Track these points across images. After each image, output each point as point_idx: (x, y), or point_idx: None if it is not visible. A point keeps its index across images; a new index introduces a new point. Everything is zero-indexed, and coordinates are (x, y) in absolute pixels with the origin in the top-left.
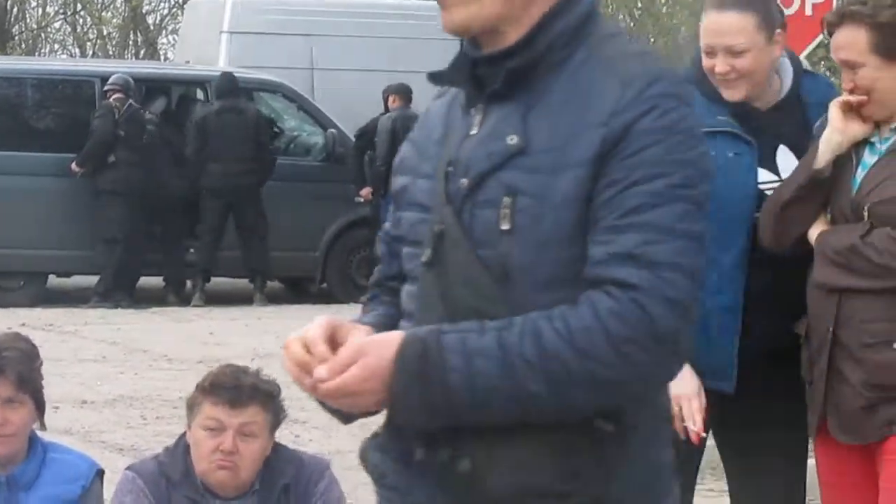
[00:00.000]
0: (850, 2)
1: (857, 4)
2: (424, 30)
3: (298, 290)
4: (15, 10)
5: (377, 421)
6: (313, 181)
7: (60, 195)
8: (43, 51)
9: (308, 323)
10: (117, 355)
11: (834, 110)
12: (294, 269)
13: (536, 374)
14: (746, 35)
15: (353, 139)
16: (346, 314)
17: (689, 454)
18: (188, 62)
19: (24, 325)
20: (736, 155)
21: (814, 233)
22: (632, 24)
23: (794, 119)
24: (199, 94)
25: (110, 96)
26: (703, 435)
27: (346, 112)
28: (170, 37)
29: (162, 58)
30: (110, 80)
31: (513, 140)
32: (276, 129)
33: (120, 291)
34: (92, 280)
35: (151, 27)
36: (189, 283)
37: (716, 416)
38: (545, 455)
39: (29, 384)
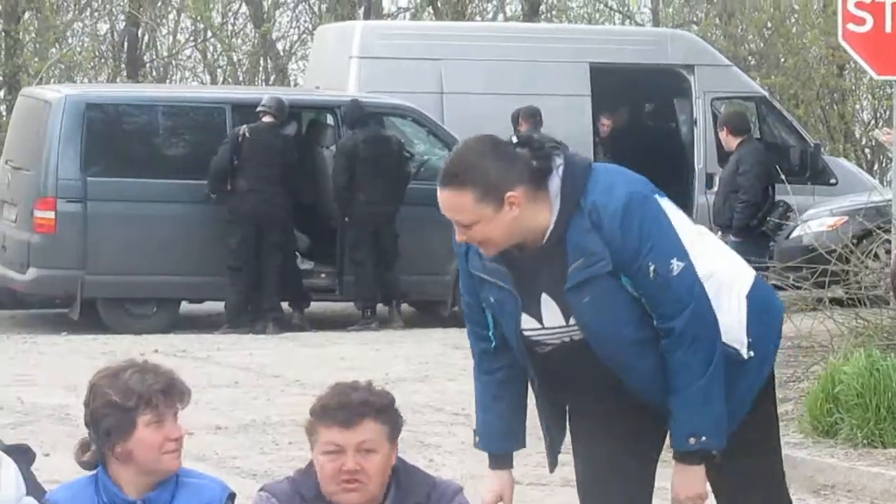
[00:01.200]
0: None
1: None
2: (554, 52)
3: (430, 314)
4: (146, 37)
5: None
6: None
7: (192, 221)
8: (174, 78)
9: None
10: (250, 381)
11: None
12: (425, 293)
13: None
14: (467, 211)
15: None
16: None
17: None
18: (318, 88)
19: (156, 351)
20: (497, 301)
21: None
22: (762, 44)
23: (554, 266)
24: (330, 120)
25: (261, 118)
26: None
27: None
28: (299, 62)
29: (292, 83)
30: (262, 102)
31: None
32: (406, 154)
33: (248, 317)
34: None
35: (281, 53)
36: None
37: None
38: None
39: (188, 399)
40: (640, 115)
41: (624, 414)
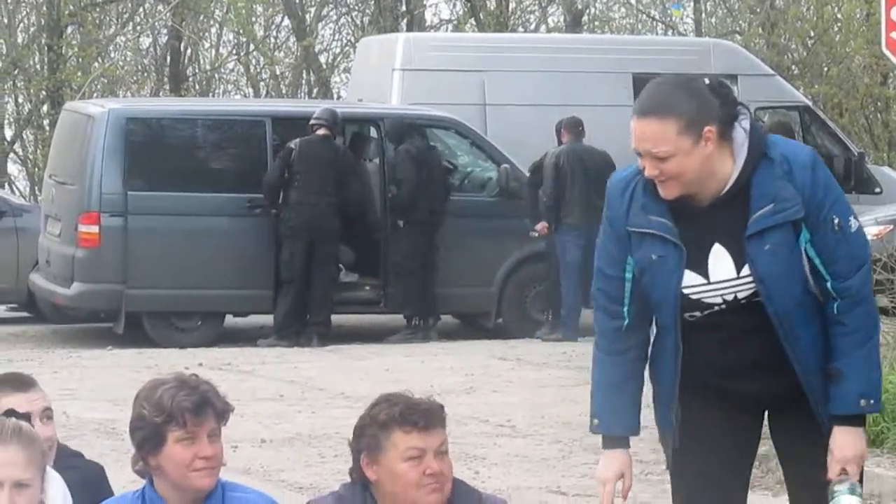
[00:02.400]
0: None
1: None
2: (596, 63)
3: (474, 326)
4: (189, 51)
5: (552, 459)
6: (487, 217)
7: (234, 235)
8: (217, 91)
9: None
10: (295, 394)
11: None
12: (469, 305)
13: None
14: (668, 142)
15: (527, 174)
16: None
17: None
18: (361, 100)
19: (201, 364)
20: (660, 258)
21: None
22: (805, 54)
23: (734, 215)
24: (373, 132)
25: (315, 130)
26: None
27: (519, 147)
28: (342, 75)
29: (335, 96)
30: (315, 115)
31: None
32: (450, 165)
33: (294, 329)
34: (268, 319)
35: (324, 66)
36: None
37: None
38: None
39: (224, 418)
40: None
41: (735, 423)
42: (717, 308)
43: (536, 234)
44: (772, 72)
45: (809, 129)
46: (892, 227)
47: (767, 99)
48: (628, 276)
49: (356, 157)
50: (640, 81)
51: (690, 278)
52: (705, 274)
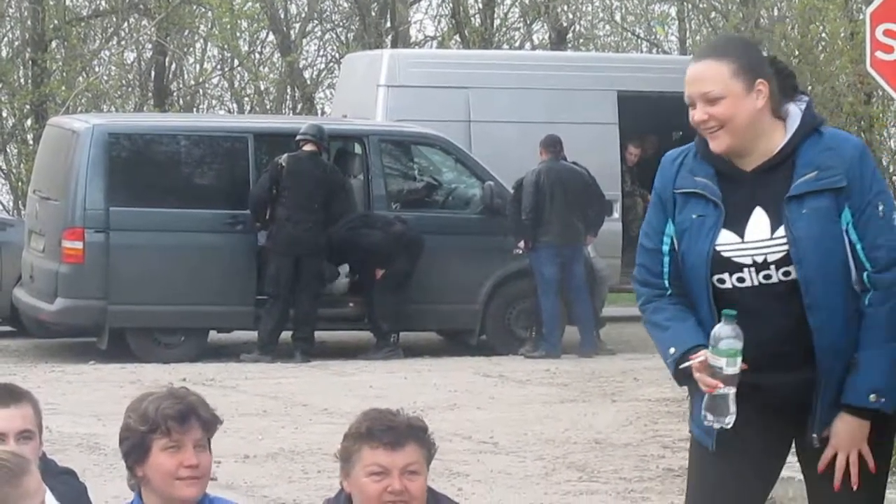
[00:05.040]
0: None
1: None
2: (581, 81)
3: (458, 343)
4: (173, 66)
5: (534, 476)
6: (472, 234)
7: (218, 251)
8: (201, 107)
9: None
10: (278, 409)
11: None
12: (453, 322)
13: None
14: (720, 82)
15: (511, 191)
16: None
17: None
18: (345, 116)
19: (184, 379)
20: (699, 217)
21: None
22: None
23: (778, 181)
24: (357, 149)
25: (302, 146)
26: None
27: (504, 164)
28: (327, 91)
29: (319, 112)
30: (302, 130)
31: None
32: (434, 182)
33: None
34: (252, 335)
35: (308, 82)
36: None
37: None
38: None
39: (212, 429)
40: (668, 143)
41: (767, 422)
42: (746, 272)
43: (520, 252)
44: None
45: None
46: None
47: None
48: (665, 248)
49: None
50: (624, 99)
51: (725, 237)
52: (741, 234)
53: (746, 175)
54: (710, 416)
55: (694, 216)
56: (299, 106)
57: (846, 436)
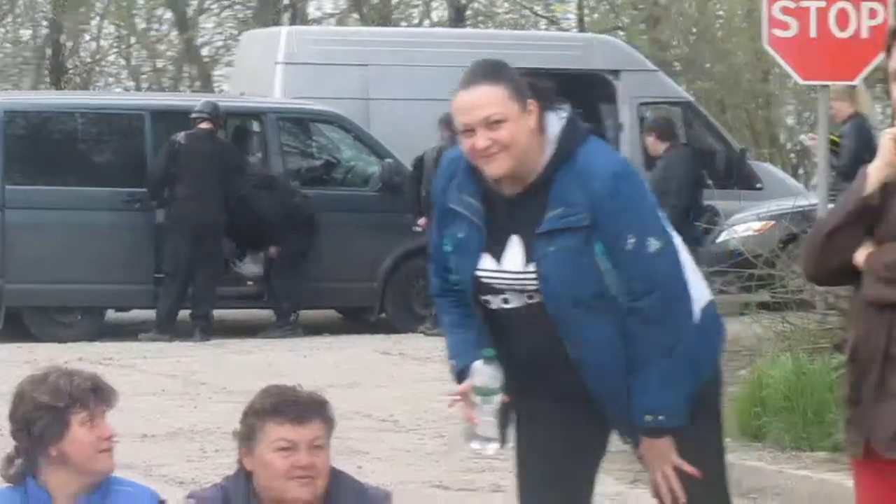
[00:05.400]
0: None
1: None
2: (478, 58)
3: (357, 321)
4: (69, 43)
5: (435, 454)
6: (370, 211)
7: (115, 229)
8: (97, 84)
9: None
10: (176, 388)
11: (888, 143)
12: (353, 300)
13: None
14: (501, 104)
15: (410, 168)
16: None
17: None
18: (243, 94)
19: (80, 359)
20: (465, 237)
21: (861, 255)
22: (688, 50)
23: (534, 211)
24: (255, 126)
25: (198, 124)
26: None
27: (403, 141)
28: (225, 68)
29: (216, 90)
30: (196, 108)
31: None
32: (333, 160)
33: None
34: (150, 314)
35: (206, 59)
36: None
37: None
38: None
39: (112, 402)
40: None
41: (572, 414)
42: (510, 294)
43: (419, 229)
44: (654, 68)
45: (692, 125)
46: (773, 223)
47: (650, 95)
48: (447, 248)
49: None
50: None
51: (486, 262)
52: (500, 260)
53: (507, 199)
54: (473, 445)
55: (460, 235)
56: (197, 83)
57: (650, 454)
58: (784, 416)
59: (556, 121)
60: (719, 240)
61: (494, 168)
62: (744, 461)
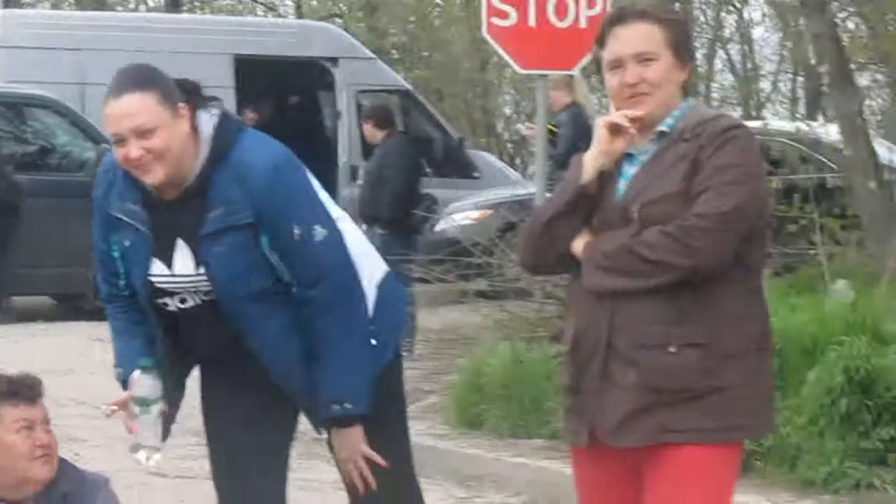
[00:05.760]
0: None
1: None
2: (196, 43)
3: (71, 307)
4: None
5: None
6: (85, 197)
7: None
8: None
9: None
10: None
11: (602, 132)
12: (66, 286)
13: None
14: (152, 112)
15: None
16: None
17: None
18: None
19: None
20: (132, 244)
21: (579, 244)
22: (406, 38)
23: (194, 213)
24: None
25: None
26: None
27: None
28: None
29: None
30: None
31: None
32: (48, 145)
33: None
34: None
35: None
36: None
37: None
38: None
39: None
40: (285, 107)
41: (257, 395)
42: (186, 295)
43: None
44: (372, 56)
45: (410, 113)
46: (491, 212)
47: (368, 83)
48: (116, 253)
49: None
50: (241, 63)
51: (157, 267)
52: (170, 265)
53: (168, 204)
54: (138, 455)
55: (126, 243)
56: None
57: (340, 444)
58: (502, 404)
59: (208, 120)
60: (437, 228)
61: (150, 178)
62: (462, 449)
